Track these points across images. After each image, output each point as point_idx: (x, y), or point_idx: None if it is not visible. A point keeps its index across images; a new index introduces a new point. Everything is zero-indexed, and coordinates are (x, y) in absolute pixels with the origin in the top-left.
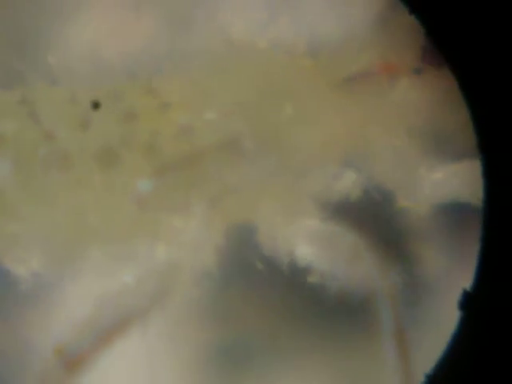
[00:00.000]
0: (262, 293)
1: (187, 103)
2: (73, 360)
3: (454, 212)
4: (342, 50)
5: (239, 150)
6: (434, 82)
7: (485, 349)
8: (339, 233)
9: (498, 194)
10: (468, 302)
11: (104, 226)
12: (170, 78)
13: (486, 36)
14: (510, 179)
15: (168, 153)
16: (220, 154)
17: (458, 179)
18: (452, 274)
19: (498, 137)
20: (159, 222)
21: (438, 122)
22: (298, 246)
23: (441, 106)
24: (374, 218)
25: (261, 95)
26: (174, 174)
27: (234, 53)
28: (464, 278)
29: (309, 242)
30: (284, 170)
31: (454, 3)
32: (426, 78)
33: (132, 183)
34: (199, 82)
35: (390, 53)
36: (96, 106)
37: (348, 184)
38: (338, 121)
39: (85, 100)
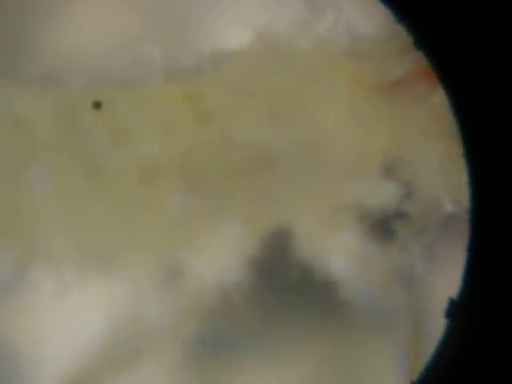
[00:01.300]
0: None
1: (226, 111)
2: None
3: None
4: (384, 52)
5: (277, 160)
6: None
7: (471, 356)
8: (377, 252)
9: (485, 203)
10: (454, 309)
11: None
12: (207, 80)
13: (478, 45)
14: (495, 188)
15: (204, 165)
16: (257, 165)
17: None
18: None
19: (486, 144)
20: (193, 234)
21: None
22: (333, 259)
23: None
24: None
25: (300, 101)
26: (211, 187)
27: (274, 54)
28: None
29: (345, 257)
30: (323, 180)
31: (444, 11)
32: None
33: (167, 197)
34: (237, 87)
35: None
36: (97, 105)
37: (388, 195)
38: (377, 127)
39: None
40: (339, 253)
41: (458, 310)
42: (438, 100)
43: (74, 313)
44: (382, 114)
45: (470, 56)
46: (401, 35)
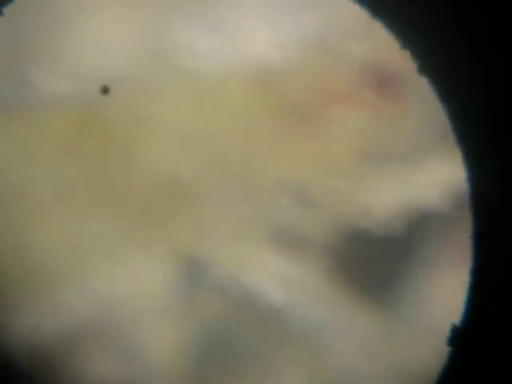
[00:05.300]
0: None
1: (131, 137)
2: None
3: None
4: (288, 76)
5: (194, 188)
6: (377, 108)
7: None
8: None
9: (488, 230)
10: (457, 337)
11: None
12: (107, 107)
13: (482, 71)
14: (497, 212)
15: (121, 192)
16: (170, 190)
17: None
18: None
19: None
20: (110, 257)
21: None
22: (253, 279)
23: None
24: (340, 253)
25: (208, 126)
26: (127, 215)
27: (183, 82)
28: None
29: (267, 277)
30: (242, 206)
31: (447, 38)
32: (369, 104)
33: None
34: (140, 113)
35: (335, 82)
36: (105, 90)
37: (307, 219)
38: (285, 151)
39: None
40: (255, 271)
41: (461, 338)
42: (348, 124)
43: None
44: (296, 141)
45: (473, 81)
46: (304, 63)
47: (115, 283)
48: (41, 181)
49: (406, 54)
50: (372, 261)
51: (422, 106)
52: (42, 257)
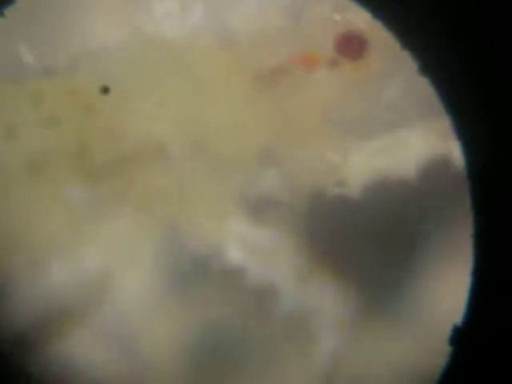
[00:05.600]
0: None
1: (109, 104)
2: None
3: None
4: (259, 42)
5: (165, 153)
6: (351, 73)
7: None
8: (279, 242)
9: (489, 230)
10: (458, 337)
11: (33, 233)
12: (87, 76)
13: (482, 70)
14: (500, 212)
15: (96, 159)
16: (147, 159)
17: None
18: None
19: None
20: (89, 228)
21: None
22: (230, 250)
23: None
24: (305, 215)
25: (181, 94)
26: (103, 181)
27: (148, 47)
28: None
29: (237, 244)
30: (209, 171)
31: (448, 38)
32: (342, 69)
33: (61, 190)
34: (116, 81)
35: (306, 45)
36: (105, 90)
37: (272, 182)
38: (258, 117)
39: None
40: (230, 240)
41: (463, 338)
42: (316, 88)
43: None
44: (260, 103)
45: (473, 81)
46: (274, 26)
47: (92, 258)
48: (19, 150)
49: (407, 54)
50: (353, 231)
51: (400, 73)
52: (22, 230)
